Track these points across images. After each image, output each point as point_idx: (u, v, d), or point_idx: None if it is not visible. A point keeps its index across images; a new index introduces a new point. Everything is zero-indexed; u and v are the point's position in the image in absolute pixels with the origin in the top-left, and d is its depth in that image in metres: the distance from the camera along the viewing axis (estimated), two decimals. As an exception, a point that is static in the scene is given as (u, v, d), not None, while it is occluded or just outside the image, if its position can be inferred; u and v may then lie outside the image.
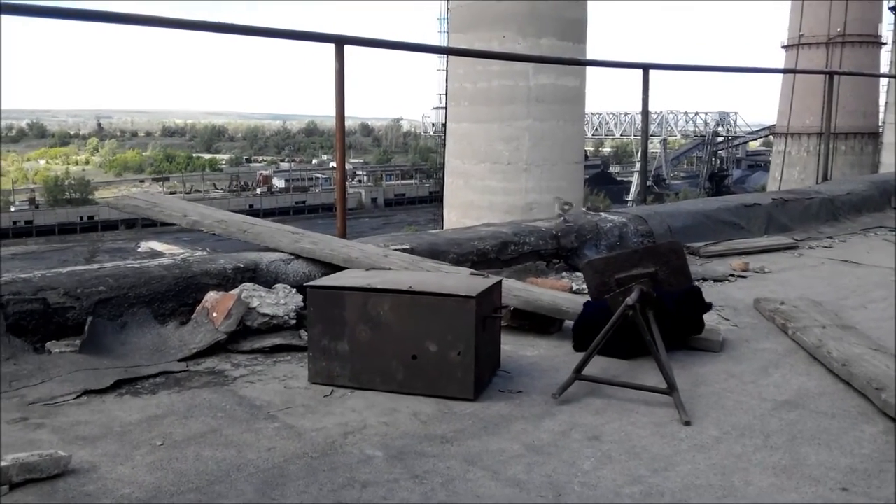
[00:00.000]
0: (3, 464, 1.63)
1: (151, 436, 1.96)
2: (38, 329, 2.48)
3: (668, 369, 2.24)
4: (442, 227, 9.79)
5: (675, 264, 2.67)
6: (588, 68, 10.05)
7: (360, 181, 63.65)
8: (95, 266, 2.85)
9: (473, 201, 9.37)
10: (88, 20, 3.05)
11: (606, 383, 2.34)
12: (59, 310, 2.53)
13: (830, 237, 5.03)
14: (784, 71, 25.73)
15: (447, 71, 10.63)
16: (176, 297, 2.77)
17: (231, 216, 3.48)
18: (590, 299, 2.81)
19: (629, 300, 2.30)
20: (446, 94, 11.02)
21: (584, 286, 3.59)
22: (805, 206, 5.35)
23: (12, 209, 52.60)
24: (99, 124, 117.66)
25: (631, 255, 2.76)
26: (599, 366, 2.49)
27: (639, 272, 2.58)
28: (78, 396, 2.20)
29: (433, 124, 50.51)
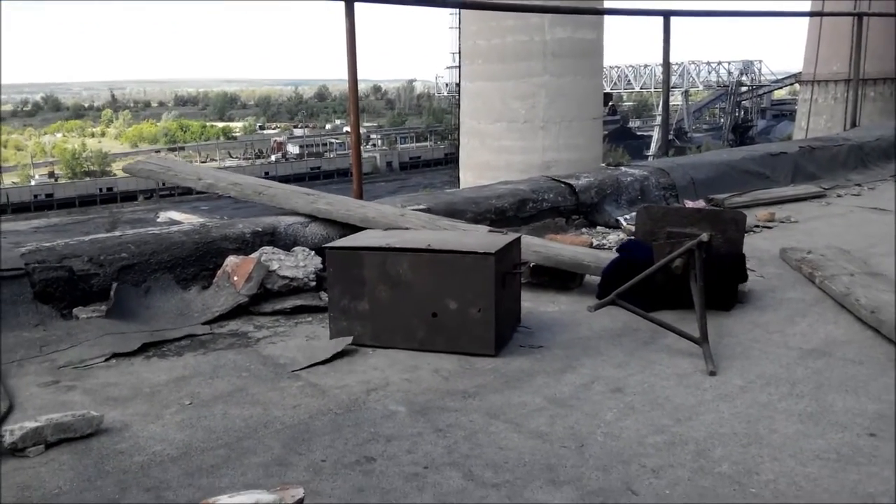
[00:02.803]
0: (39, 424, 1.68)
1: (180, 395, 2.00)
2: (65, 295, 2.52)
3: (704, 320, 2.23)
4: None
5: (732, 235, 2.61)
6: (606, 20, 9.75)
7: (374, 145, 63.27)
8: (117, 233, 2.88)
9: (489, 161, 9.27)
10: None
11: (643, 316, 2.33)
12: (84, 276, 2.56)
13: (859, 185, 4.90)
14: (810, 14, 24.43)
15: (460, 28, 10.39)
16: (197, 261, 2.79)
17: (245, 178, 3.47)
18: (613, 253, 2.78)
19: (691, 245, 2.31)
20: (459, 53, 10.80)
21: (605, 241, 3.55)
22: (833, 154, 5.19)
23: (32, 183, 53.41)
24: (112, 96, 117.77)
25: (691, 213, 2.73)
26: (621, 318, 2.47)
27: (692, 231, 2.52)
28: (107, 360, 2.24)
29: (447, 84, 49.62)
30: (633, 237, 3.00)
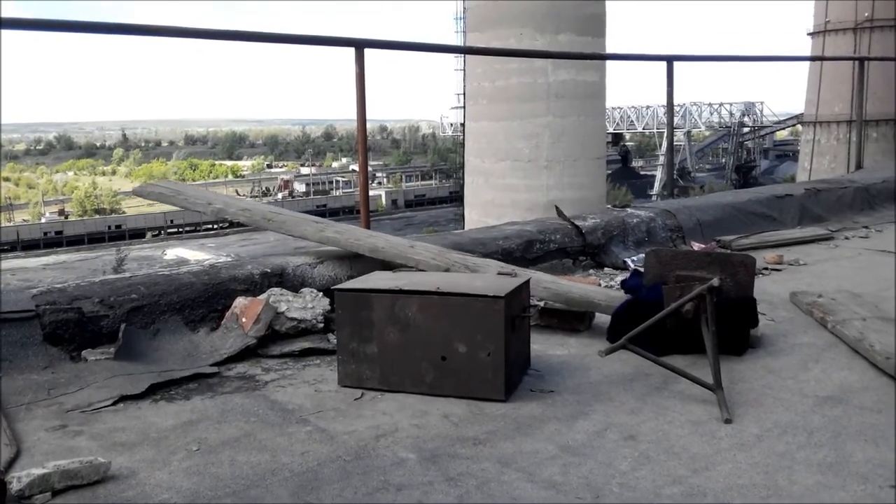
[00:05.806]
0: (46, 471, 1.66)
1: (187, 441, 1.97)
2: (74, 338, 2.52)
3: (718, 366, 2.21)
4: (463, 227, 9.77)
5: (742, 279, 2.58)
6: (608, 62, 9.95)
7: (379, 183, 63.94)
8: (127, 274, 2.90)
9: (494, 199, 9.34)
10: (112, 33, 3.11)
11: (654, 361, 2.30)
12: (94, 318, 2.56)
13: (866, 227, 4.89)
14: (813, 58, 24.82)
15: (465, 70, 10.62)
16: (206, 303, 2.79)
17: (255, 205, 3.48)
18: (624, 294, 2.77)
19: (702, 289, 2.30)
20: (464, 94, 11.00)
21: (613, 282, 3.54)
22: (839, 196, 5.21)
23: (42, 220, 54.01)
24: (124, 135, 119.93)
25: (700, 257, 2.71)
26: (632, 362, 2.45)
27: (702, 275, 2.50)
28: (115, 402, 2.22)
29: (452, 124, 50.45)
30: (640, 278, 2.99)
